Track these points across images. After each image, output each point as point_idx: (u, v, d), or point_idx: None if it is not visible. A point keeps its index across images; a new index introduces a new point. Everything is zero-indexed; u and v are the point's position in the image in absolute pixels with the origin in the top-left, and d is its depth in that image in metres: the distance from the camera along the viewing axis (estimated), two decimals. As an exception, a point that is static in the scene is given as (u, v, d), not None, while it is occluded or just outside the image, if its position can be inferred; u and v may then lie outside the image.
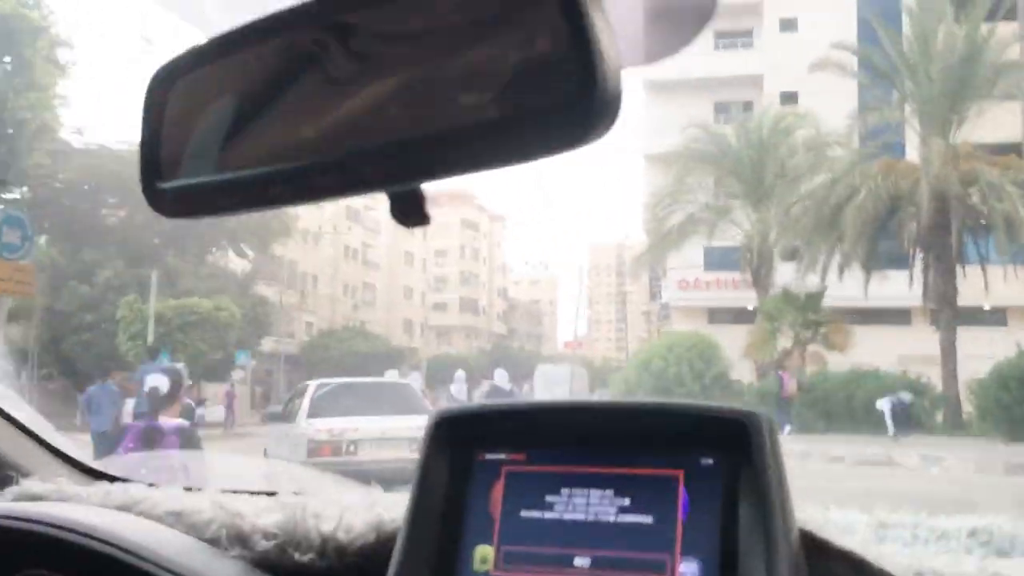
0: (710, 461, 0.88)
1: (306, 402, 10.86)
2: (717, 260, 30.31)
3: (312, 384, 11.62)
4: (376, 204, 67.71)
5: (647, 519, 0.89)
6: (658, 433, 0.92)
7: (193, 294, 30.29)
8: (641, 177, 33.60)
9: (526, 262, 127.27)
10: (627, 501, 0.90)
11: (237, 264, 41.10)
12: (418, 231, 75.98)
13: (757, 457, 0.83)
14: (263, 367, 48.46)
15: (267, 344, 46.68)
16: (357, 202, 62.13)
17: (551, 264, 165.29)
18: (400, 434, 9.14)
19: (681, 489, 0.89)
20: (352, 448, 9.94)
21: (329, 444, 9.94)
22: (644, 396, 14.01)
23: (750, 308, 26.91)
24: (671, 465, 0.90)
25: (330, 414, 10.32)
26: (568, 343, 60.90)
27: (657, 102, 33.13)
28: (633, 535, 0.89)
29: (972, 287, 21.78)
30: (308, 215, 52.89)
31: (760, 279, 26.28)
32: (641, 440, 0.92)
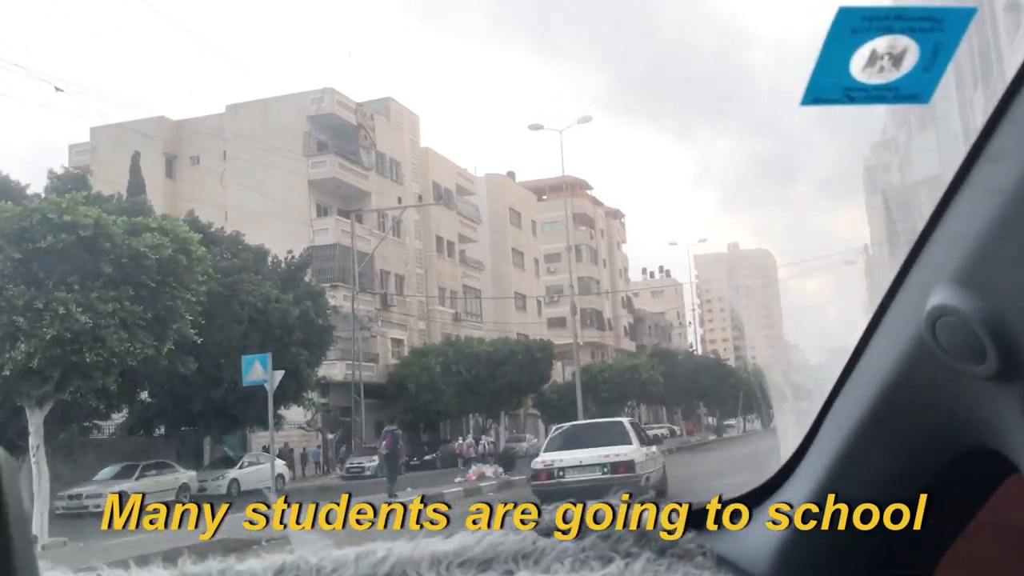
0: None
1: (544, 442, 16.90)
2: None
3: (552, 429, 17.46)
4: (472, 187, 54.14)
5: None
6: None
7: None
8: None
9: (644, 268, 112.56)
10: None
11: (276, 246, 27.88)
12: (527, 224, 62.39)
13: None
14: (335, 403, 34.75)
15: (337, 370, 33.12)
16: (446, 178, 48.39)
17: (673, 269, 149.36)
18: (593, 461, 14.02)
19: None
20: (561, 473, 14.17)
21: (544, 471, 14.35)
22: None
23: None
24: None
25: (556, 449, 15.01)
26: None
27: None
28: None
29: None
30: (380, 189, 39.41)
31: None
32: None
